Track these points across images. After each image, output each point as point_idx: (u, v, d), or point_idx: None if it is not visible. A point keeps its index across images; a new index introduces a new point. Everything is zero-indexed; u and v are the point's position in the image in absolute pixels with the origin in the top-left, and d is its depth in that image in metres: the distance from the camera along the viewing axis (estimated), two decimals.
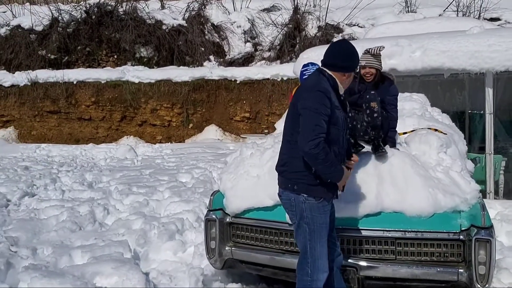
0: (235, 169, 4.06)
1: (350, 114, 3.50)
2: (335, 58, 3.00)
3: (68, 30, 15.38)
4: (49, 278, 3.62)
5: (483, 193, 5.31)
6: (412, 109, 4.92)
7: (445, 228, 3.30)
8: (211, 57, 15.37)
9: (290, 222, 3.25)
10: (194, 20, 15.75)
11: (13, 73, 14.49)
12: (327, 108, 2.86)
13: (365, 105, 3.58)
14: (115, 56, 15.62)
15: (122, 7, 15.59)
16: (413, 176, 3.49)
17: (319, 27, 15.30)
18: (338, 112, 2.96)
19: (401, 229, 3.35)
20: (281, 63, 14.90)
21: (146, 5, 16.00)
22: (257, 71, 14.06)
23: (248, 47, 15.74)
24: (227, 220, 3.84)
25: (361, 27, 15.39)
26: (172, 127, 14.36)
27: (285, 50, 15.23)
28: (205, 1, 16.34)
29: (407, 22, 9.18)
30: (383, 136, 3.71)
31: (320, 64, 3.12)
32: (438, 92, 7.52)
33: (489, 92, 6.02)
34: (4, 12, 16.58)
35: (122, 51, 15.40)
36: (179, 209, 5.90)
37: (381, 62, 3.83)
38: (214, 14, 16.18)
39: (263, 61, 15.31)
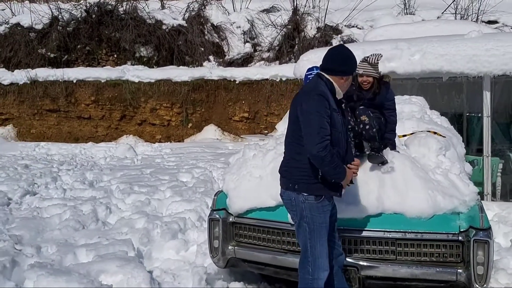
0: (238, 170, 4.12)
1: (349, 119, 3.65)
2: (333, 62, 3.10)
3: (68, 29, 15.36)
4: (55, 276, 3.66)
5: (481, 195, 5.38)
6: (411, 111, 4.98)
7: (444, 229, 3.37)
8: (211, 57, 15.41)
9: (292, 222, 3.32)
10: (194, 20, 15.79)
11: (12, 71, 14.48)
12: (327, 110, 2.96)
13: (358, 119, 3.76)
14: (115, 56, 15.63)
15: (122, 6, 15.60)
16: (413, 178, 3.57)
17: (318, 28, 15.36)
18: (336, 115, 3.04)
19: (401, 230, 3.42)
20: (280, 63, 14.95)
21: (146, 4, 16.00)
22: (256, 71, 14.10)
23: (248, 48, 15.79)
24: (230, 220, 3.90)
25: (360, 29, 15.47)
26: (172, 126, 14.38)
27: (284, 51, 15.28)
28: (205, 2, 16.37)
29: (406, 24, 9.27)
30: (382, 146, 3.81)
31: None
32: (436, 95, 7.59)
33: (487, 96, 6.10)
34: (3, 9, 16.54)
35: (122, 50, 15.41)
36: (181, 208, 5.95)
37: (378, 70, 3.92)
38: (214, 14, 16.21)
39: (262, 62, 15.34)
